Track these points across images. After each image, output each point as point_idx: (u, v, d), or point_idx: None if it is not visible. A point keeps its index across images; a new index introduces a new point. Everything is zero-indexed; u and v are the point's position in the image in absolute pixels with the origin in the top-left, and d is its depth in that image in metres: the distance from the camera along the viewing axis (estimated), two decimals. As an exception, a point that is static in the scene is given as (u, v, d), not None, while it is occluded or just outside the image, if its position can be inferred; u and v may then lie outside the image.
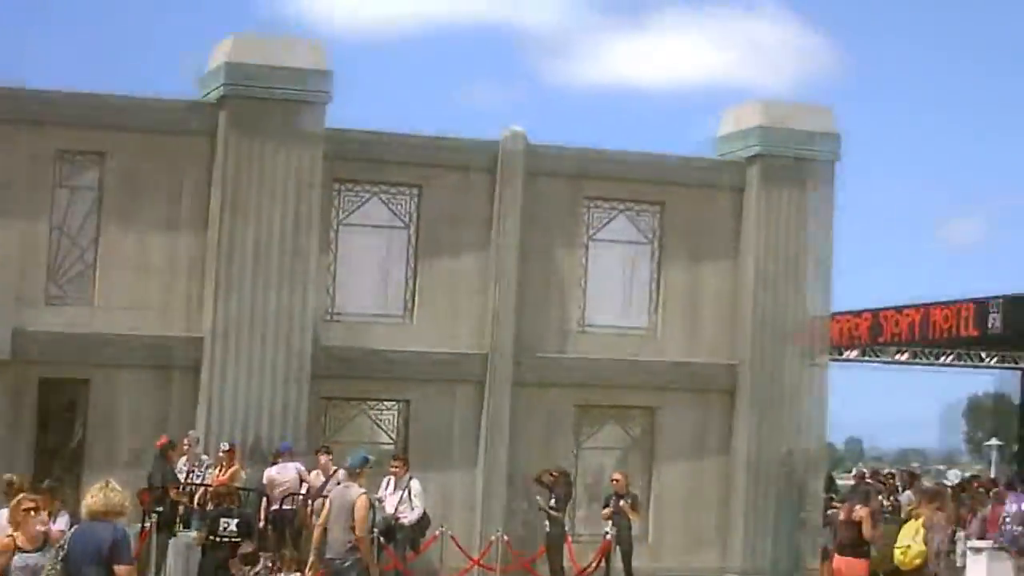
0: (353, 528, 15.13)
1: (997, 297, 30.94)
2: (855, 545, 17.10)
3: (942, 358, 35.82)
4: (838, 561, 17.38)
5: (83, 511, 10.80)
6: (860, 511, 17.11)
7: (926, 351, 34.86)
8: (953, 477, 35.85)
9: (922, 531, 17.16)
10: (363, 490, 15.46)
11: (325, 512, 15.65)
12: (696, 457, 24.54)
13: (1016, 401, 42.88)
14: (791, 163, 24.86)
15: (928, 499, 18.13)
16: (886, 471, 34.81)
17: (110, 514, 10.61)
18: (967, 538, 22.69)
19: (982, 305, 30.19)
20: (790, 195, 24.88)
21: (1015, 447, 44.71)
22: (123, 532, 10.68)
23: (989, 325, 30.56)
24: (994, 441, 49.63)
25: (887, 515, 24.55)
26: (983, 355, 36.32)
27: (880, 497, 26.04)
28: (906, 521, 18.23)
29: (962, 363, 36.81)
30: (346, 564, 15.16)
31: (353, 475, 15.78)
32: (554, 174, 24.23)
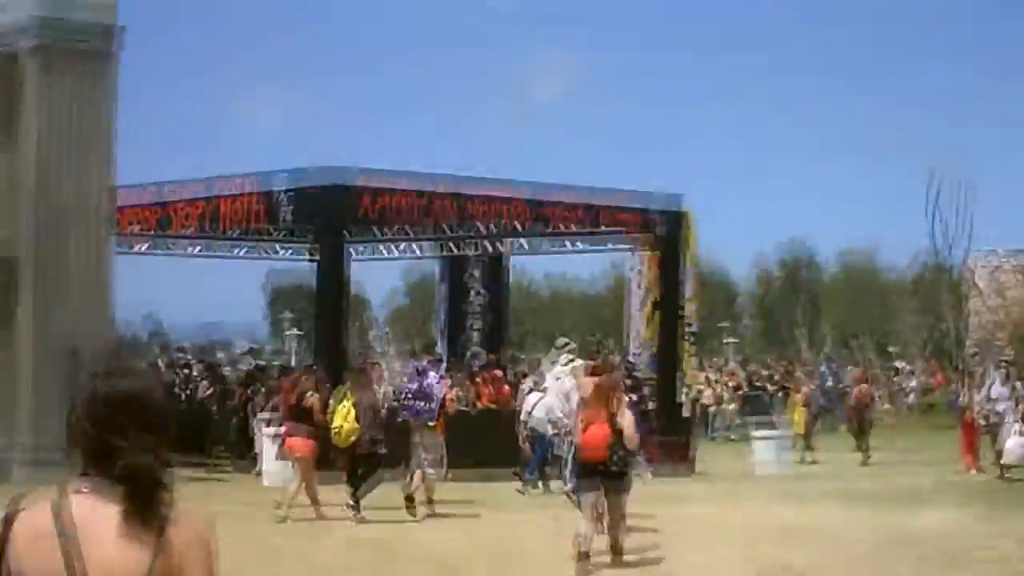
0: None
1: (289, 191, 30.96)
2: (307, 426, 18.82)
3: (236, 250, 36.61)
4: (290, 441, 18.99)
5: None
6: (310, 399, 18.76)
7: (227, 243, 35.48)
8: (245, 365, 37.37)
9: (353, 411, 18.33)
10: None
11: None
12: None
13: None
14: (71, 55, 25.02)
15: (358, 382, 19.42)
16: (183, 361, 35.52)
17: None
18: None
19: (271, 196, 30.35)
20: (72, 85, 25.03)
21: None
22: None
23: (281, 217, 30.99)
24: (294, 331, 51.23)
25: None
26: (278, 247, 37.34)
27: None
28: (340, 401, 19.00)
29: (256, 255, 37.80)
30: None
31: None
32: None
